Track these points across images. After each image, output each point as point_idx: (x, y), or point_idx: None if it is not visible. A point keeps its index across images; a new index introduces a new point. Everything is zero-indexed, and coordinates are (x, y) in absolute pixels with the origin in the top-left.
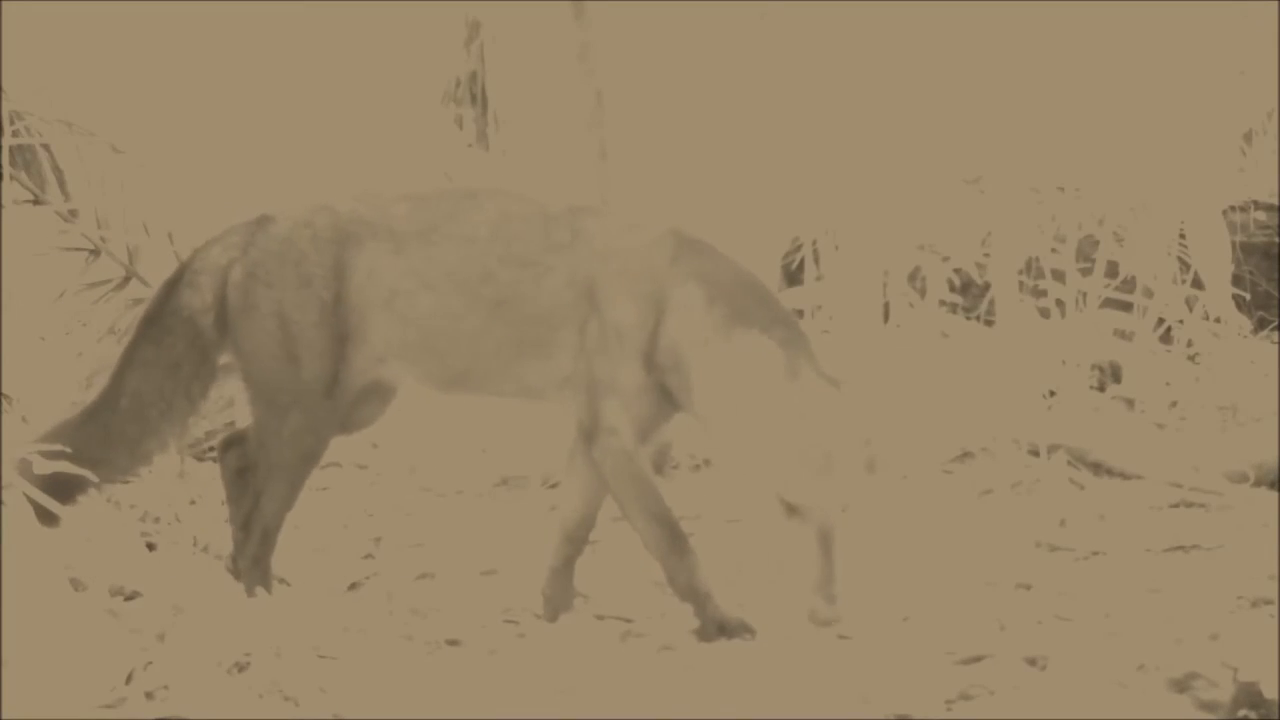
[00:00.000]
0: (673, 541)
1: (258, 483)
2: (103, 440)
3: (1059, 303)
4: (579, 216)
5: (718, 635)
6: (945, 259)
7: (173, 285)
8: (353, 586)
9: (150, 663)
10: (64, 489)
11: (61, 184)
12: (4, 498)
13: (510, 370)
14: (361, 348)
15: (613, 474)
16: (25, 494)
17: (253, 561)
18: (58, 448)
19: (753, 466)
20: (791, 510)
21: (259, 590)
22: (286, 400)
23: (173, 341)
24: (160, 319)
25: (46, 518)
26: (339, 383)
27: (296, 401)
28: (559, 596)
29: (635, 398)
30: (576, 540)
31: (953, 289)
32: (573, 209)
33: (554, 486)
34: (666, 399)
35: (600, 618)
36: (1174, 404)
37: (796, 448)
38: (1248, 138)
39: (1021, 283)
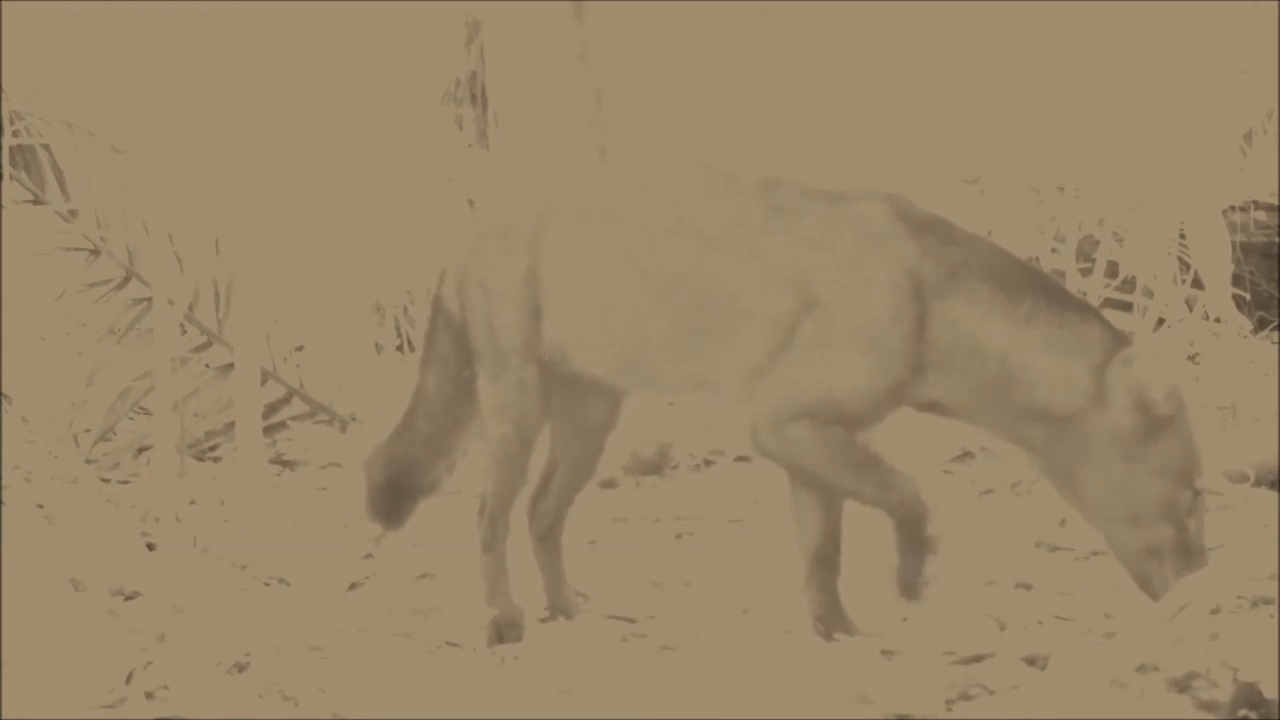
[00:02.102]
0: (881, 479)
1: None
2: (411, 439)
3: None
4: (773, 191)
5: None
6: None
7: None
8: (353, 586)
9: (150, 663)
10: (400, 491)
11: (61, 184)
12: (4, 498)
13: (683, 358)
14: (545, 327)
15: (798, 455)
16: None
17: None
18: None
19: (1150, 473)
20: (1193, 508)
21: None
22: (494, 368)
23: (440, 336)
24: (434, 315)
25: (389, 519)
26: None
27: (503, 368)
28: (833, 618)
29: (859, 399)
30: (825, 559)
31: None
32: (765, 181)
33: None
34: (897, 399)
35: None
36: None
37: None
38: (1248, 138)
39: None
